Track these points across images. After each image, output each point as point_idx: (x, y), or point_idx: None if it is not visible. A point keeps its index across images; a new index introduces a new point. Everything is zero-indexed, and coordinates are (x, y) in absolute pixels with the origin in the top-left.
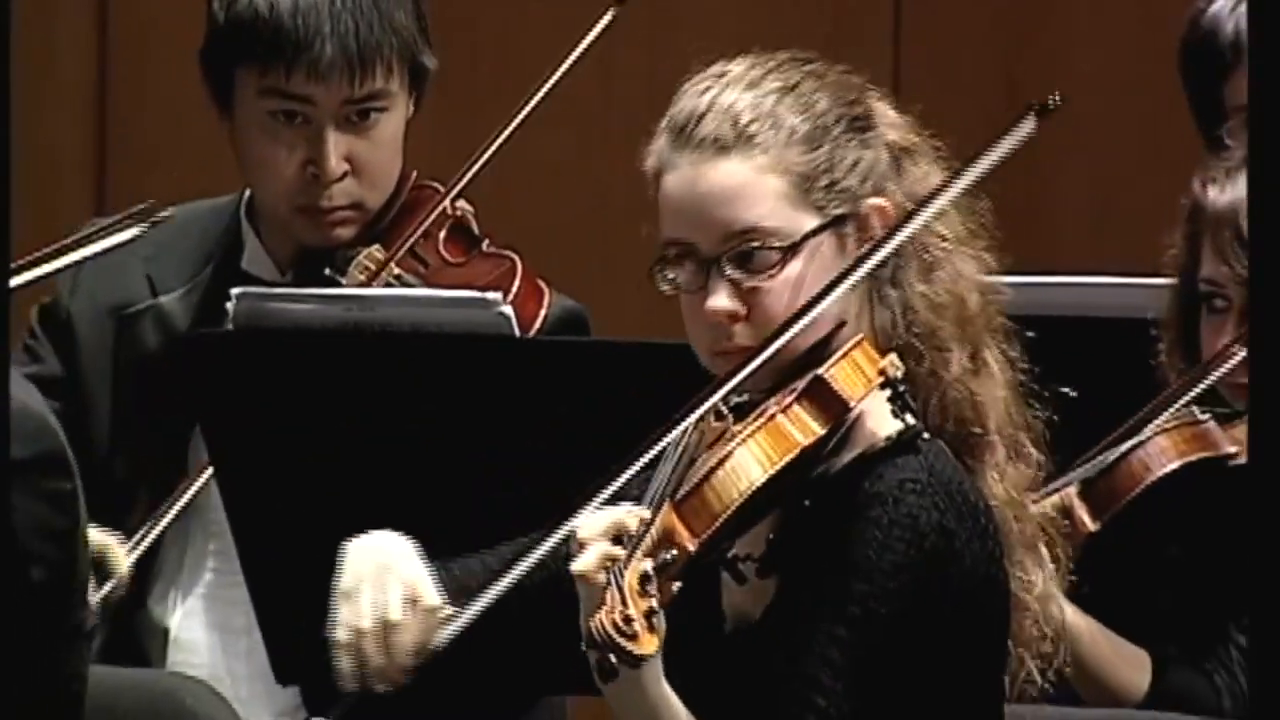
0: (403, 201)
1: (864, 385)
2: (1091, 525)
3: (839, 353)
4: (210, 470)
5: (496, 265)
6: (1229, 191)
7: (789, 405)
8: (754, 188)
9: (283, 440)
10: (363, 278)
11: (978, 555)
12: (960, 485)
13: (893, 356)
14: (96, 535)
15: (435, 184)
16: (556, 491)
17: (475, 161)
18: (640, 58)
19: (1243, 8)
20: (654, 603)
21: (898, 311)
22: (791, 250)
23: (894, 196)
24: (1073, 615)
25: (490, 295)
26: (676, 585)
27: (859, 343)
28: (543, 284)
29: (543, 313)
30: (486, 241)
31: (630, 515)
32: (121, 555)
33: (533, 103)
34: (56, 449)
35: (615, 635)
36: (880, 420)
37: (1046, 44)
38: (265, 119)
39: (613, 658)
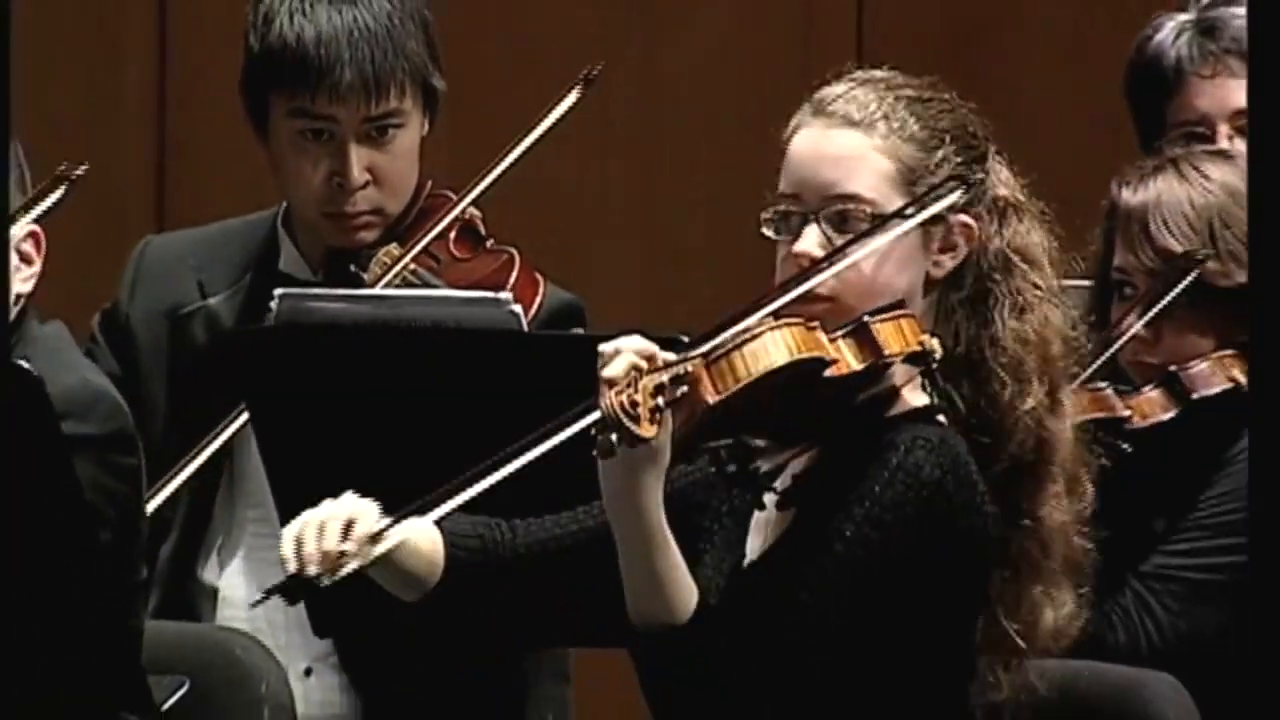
0: (420, 207)
1: (901, 345)
2: None
3: (890, 314)
4: (224, 434)
5: (497, 260)
6: (1140, 193)
7: (834, 335)
8: (864, 161)
9: (319, 419)
10: (380, 271)
11: (968, 525)
12: (966, 463)
13: (935, 340)
14: None
15: (448, 192)
16: (555, 465)
17: (482, 179)
18: (631, 81)
19: (1184, 36)
20: (661, 402)
21: (981, 337)
22: (877, 221)
23: (985, 227)
24: None
25: (502, 295)
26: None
27: (910, 315)
28: (539, 276)
29: (538, 302)
30: (490, 240)
31: (658, 350)
32: None
33: (512, 156)
34: (126, 429)
35: (620, 413)
36: (913, 393)
37: (996, 61)
38: (295, 137)
39: (614, 436)
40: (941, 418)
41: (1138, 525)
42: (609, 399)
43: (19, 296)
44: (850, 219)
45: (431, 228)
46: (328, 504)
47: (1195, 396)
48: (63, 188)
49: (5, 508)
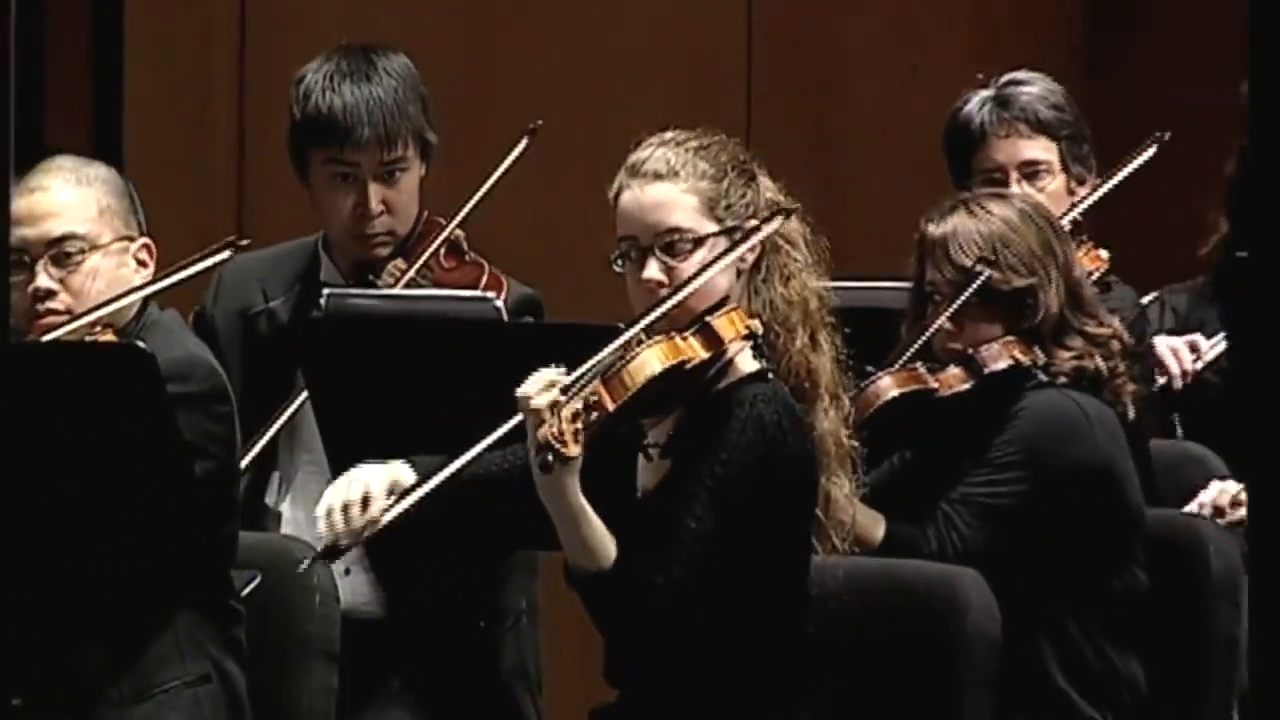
0: (419, 230)
1: (734, 333)
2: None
3: (723, 311)
4: (296, 403)
5: (475, 268)
6: (941, 225)
7: (685, 335)
8: (676, 202)
9: (359, 386)
10: (391, 280)
11: (801, 453)
12: (793, 407)
13: (756, 321)
14: None
15: (439, 218)
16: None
17: (460, 211)
18: (587, 127)
19: (986, 107)
20: (579, 426)
21: (765, 302)
22: (698, 243)
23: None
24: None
25: (489, 294)
26: (593, 432)
27: (735, 309)
28: (503, 278)
29: (503, 296)
30: (469, 254)
31: (568, 378)
32: None
33: (479, 194)
34: (220, 385)
35: (553, 441)
36: (746, 361)
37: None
38: (328, 179)
39: (549, 456)
40: (771, 375)
41: (947, 466)
42: (544, 434)
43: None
44: (676, 245)
45: (427, 248)
46: (347, 480)
47: (986, 371)
48: (229, 250)
49: (127, 448)
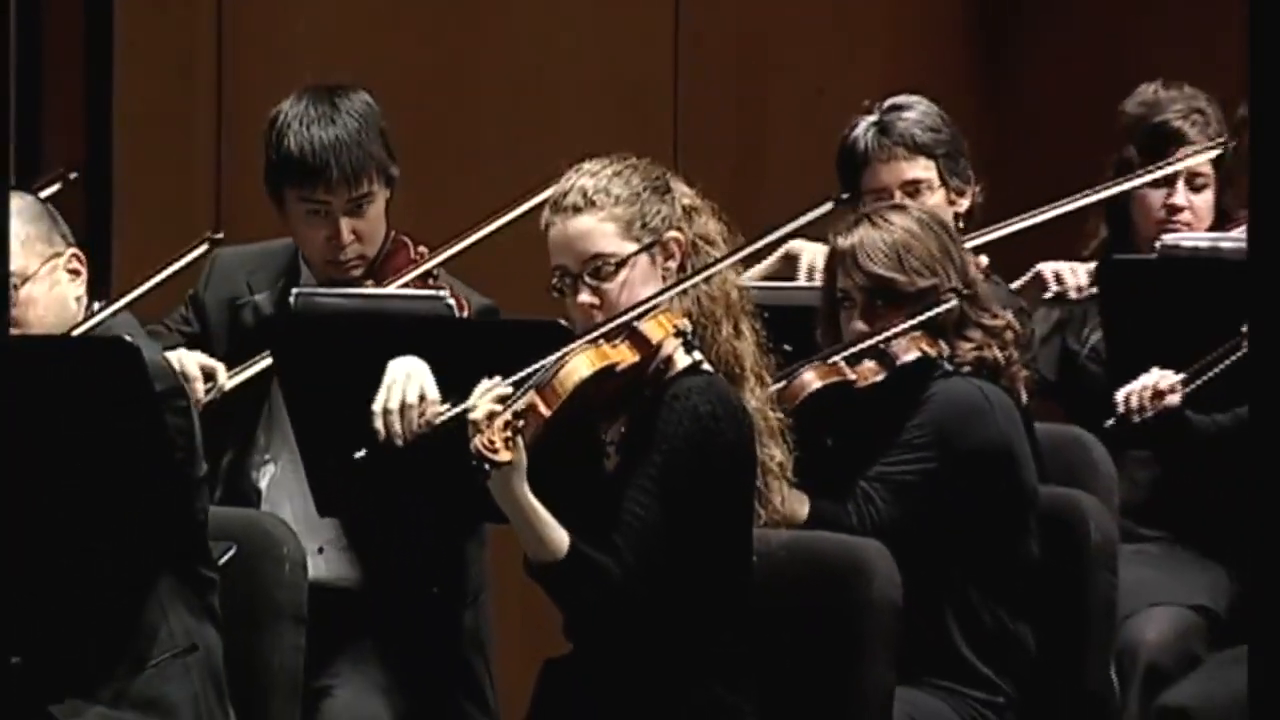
0: (387, 248)
1: (663, 333)
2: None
3: (650, 315)
4: (256, 366)
5: (436, 285)
6: (848, 238)
7: (614, 340)
8: (596, 230)
9: (325, 375)
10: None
11: (737, 437)
12: (726, 395)
13: (684, 320)
14: (210, 360)
15: (405, 237)
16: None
17: (437, 256)
18: (525, 147)
19: (870, 132)
20: (509, 433)
21: (692, 300)
22: (621, 264)
23: (686, 234)
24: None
25: (441, 292)
26: (535, 434)
27: (664, 311)
28: (463, 298)
29: (467, 310)
30: (433, 276)
31: (507, 388)
32: (223, 371)
33: (451, 252)
34: (178, 384)
35: (484, 450)
36: (680, 358)
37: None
38: (303, 214)
39: (485, 465)
40: (707, 366)
41: (865, 449)
42: (476, 444)
43: (78, 298)
44: (602, 269)
45: (396, 265)
46: (404, 378)
47: (898, 363)
48: (205, 245)
49: (112, 436)
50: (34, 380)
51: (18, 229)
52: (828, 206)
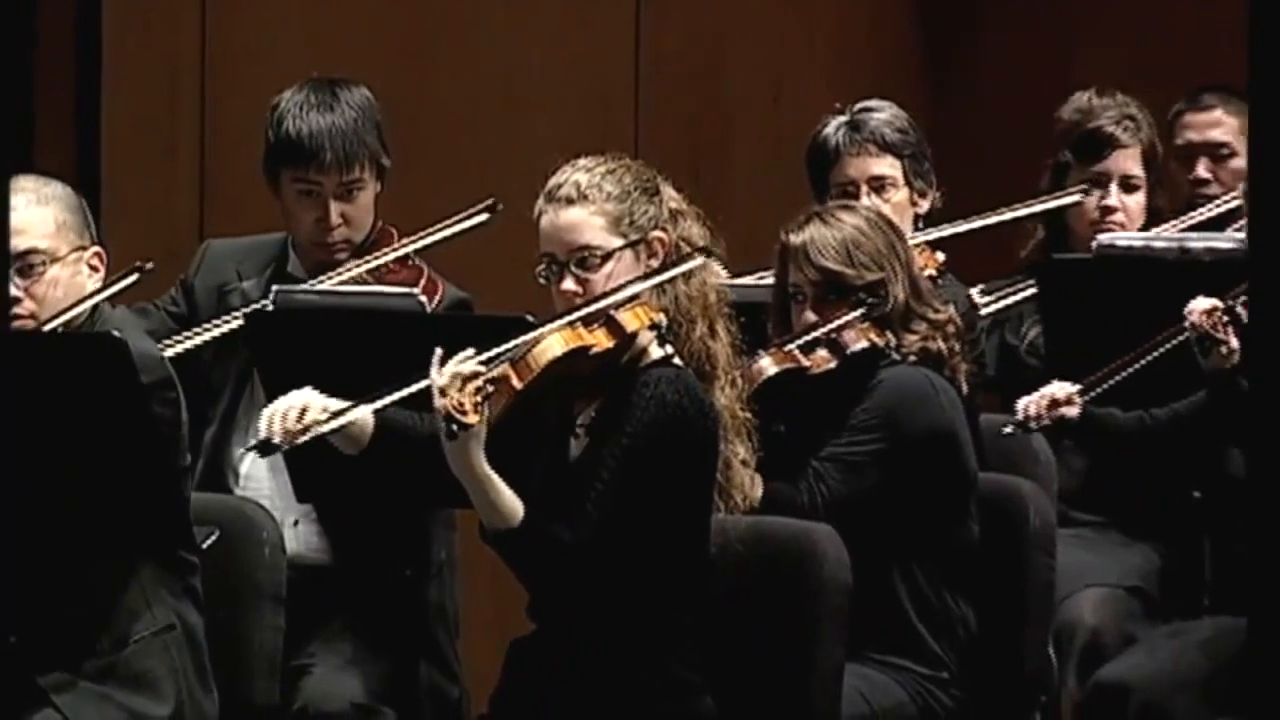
0: (373, 237)
1: (638, 324)
2: None
3: (628, 306)
4: (227, 326)
5: (415, 270)
6: (800, 234)
7: (591, 325)
8: (586, 223)
9: (302, 367)
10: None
11: (701, 427)
12: (695, 388)
13: (661, 315)
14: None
15: (392, 228)
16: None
17: (412, 244)
18: (510, 155)
19: (841, 130)
20: (479, 399)
21: (671, 298)
22: (606, 257)
23: (670, 235)
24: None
25: (413, 290)
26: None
27: (642, 304)
28: (439, 281)
29: (439, 297)
30: (413, 259)
31: (477, 363)
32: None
33: (425, 241)
34: (167, 374)
35: (452, 411)
36: (654, 350)
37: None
38: (295, 195)
39: (453, 426)
40: (678, 361)
41: (818, 430)
42: (441, 403)
43: (91, 294)
44: (588, 260)
45: (379, 254)
46: (293, 394)
47: (849, 352)
48: (135, 275)
49: (100, 427)
50: (26, 372)
51: (56, 213)
52: (1077, 196)
